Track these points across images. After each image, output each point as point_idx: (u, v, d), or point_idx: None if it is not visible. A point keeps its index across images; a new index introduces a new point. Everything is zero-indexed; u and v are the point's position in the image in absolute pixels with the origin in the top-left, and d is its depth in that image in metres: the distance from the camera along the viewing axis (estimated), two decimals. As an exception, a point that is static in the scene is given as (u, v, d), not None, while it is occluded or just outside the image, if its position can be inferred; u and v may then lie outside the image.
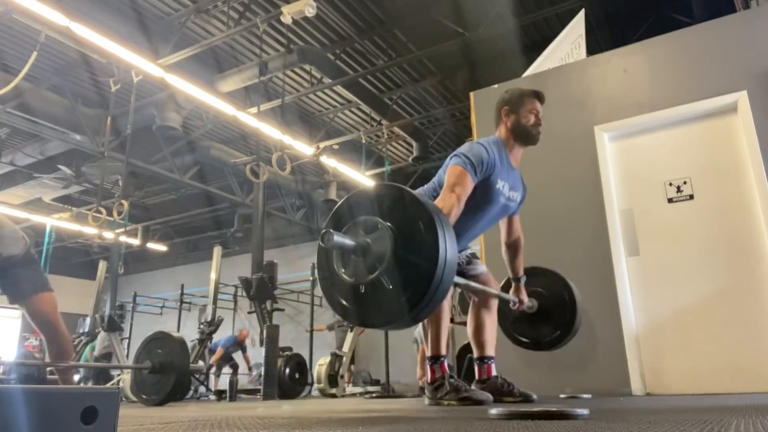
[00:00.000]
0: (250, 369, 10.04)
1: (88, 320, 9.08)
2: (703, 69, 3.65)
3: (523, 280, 2.76)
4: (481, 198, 2.35)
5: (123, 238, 10.60)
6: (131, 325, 12.92)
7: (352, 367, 10.37)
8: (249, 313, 8.38)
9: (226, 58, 7.85)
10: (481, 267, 2.75)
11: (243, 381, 10.02)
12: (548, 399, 2.81)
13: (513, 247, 2.75)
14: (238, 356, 9.91)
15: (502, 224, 2.74)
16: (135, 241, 13.43)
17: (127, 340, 12.41)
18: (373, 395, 7.53)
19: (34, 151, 9.08)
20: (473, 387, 2.55)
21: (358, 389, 9.82)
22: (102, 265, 9.87)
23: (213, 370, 9.09)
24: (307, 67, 7.76)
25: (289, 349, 8.50)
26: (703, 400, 2.33)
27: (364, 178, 10.20)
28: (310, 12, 5.81)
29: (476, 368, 2.69)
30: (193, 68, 7.35)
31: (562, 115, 4.03)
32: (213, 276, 8.89)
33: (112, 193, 11.16)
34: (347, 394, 8.30)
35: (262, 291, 7.68)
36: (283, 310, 8.66)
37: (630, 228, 3.68)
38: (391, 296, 1.53)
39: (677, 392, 3.31)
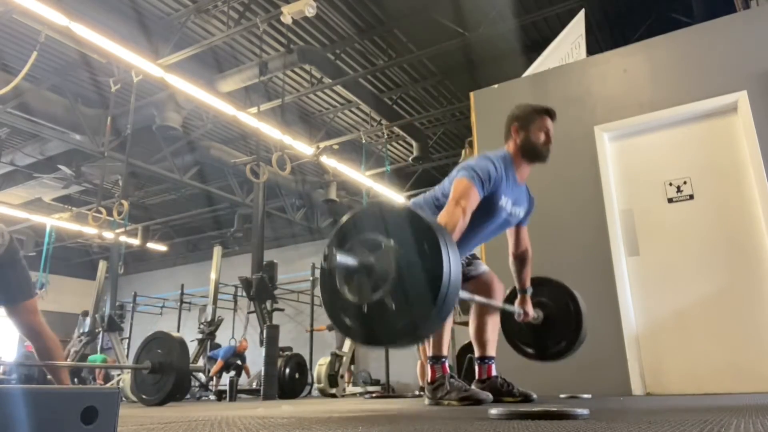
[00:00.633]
0: (249, 378, 10.07)
1: (87, 320, 9.08)
2: (703, 69, 3.65)
3: (529, 291, 2.71)
4: (483, 212, 2.33)
5: (123, 238, 10.60)
6: (131, 325, 12.93)
7: (352, 367, 10.38)
8: (249, 313, 8.39)
9: (226, 58, 7.85)
10: (482, 266, 2.74)
11: (243, 381, 10.03)
12: (548, 399, 2.81)
13: (520, 259, 2.71)
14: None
15: (510, 235, 2.71)
16: (135, 241, 13.43)
17: (127, 340, 12.42)
18: (373, 395, 7.53)
19: (34, 151, 9.09)
20: (473, 387, 2.55)
21: (358, 389, 9.82)
22: (102, 265, 9.88)
23: (212, 382, 9.10)
24: (307, 67, 7.76)
25: (289, 349, 8.51)
26: (703, 400, 2.33)
27: (364, 178, 10.20)
28: (310, 12, 5.81)
29: (477, 368, 2.69)
30: (193, 68, 7.35)
31: (562, 115, 4.00)
32: (213, 276, 8.89)
33: (112, 193, 11.17)
34: (347, 394, 8.31)
35: (262, 291, 7.68)
36: (283, 310, 8.67)
37: (630, 228, 3.68)
38: (395, 316, 1.52)
39: (677, 392, 3.31)
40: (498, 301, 2.67)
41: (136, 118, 7.48)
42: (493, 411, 1.38)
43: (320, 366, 8.53)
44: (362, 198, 10.81)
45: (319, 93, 8.92)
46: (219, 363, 8.98)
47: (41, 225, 12.28)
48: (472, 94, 4.53)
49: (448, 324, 2.57)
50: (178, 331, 10.90)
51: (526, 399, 2.55)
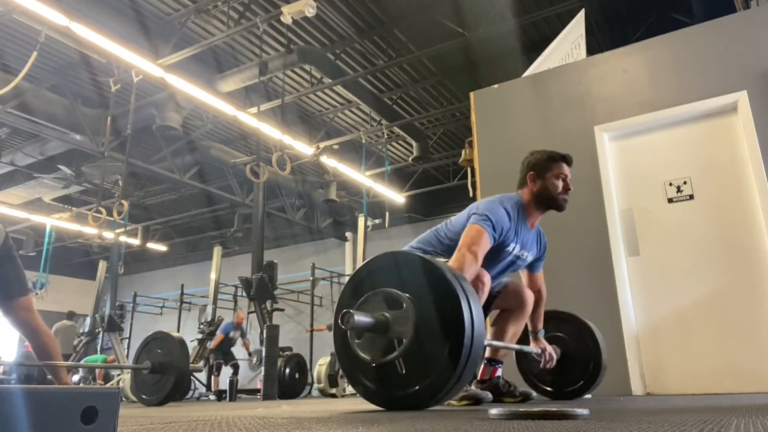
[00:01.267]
0: (250, 355, 9.99)
1: (87, 320, 9.09)
2: (703, 69, 3.65)
3: (541, 333, 2.66)
4: (489, 255, 2.29)
5: (123, 238, 10.60)
6: (131, 325, 12.93)
7: (353, 367, 10.34)
8: (249, 313, 8.38)
9: (226, 58, 7.85)
10: (503, 278, 2.68)
11: (243, 381, 10.02)
12: (548, 399, 2.81)
13: (534, 301, 2.66)
14: (237, 353, 9.88)
15: (523, 276, 2.69)
16: (135, 241, 13.44)
17: (127, 340, 12.43)
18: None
19: (34, 151, 9.09)
20: (473, 387, 2.54)
21: (358, 389, 9.80)
22: (102, 265, 9.88)
23: (212, 358, 9.04)
24: (307, 67, 7.76)
25: (289, 349, 8.51)
26: (703, 400, 2.33)
27: (364, 178, 10.20)
28: (310, 12, 5.81)
29: (482, 367, 2.67)
30: (193, 68, 7.35)
31: (562, 115, 4.03)
32: (213, 276, 8.90)
33: (112, 193, 11.17)
34: (347, 394, 8.30)
35: (262, 291, 7.68)
36: (283, 310, 8.66)
37: (630, 228, 3.68)
38: (416, 378, 1.45)
39: (677, 392, 3.31)
40: (529, 307, 2.61)
41: (136, 118, 7.49)
42: (493, 411, 1.38)
43: (320, 366, 8.54)
44: (362, 198, 10.80)
45: (319, 93, 8.92)
46: (219, 336, 8.91)
47: (41, 225, 12.28)
48: (472, 94, 4.53)
49: None
50: (178, 331, 10.91)
51: (526, 398, 2.55)
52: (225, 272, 10.11)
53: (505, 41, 7.19)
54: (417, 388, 1.48)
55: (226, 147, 10.08)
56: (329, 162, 9.37)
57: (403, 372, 1.46)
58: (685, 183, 3.60)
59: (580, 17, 4.82)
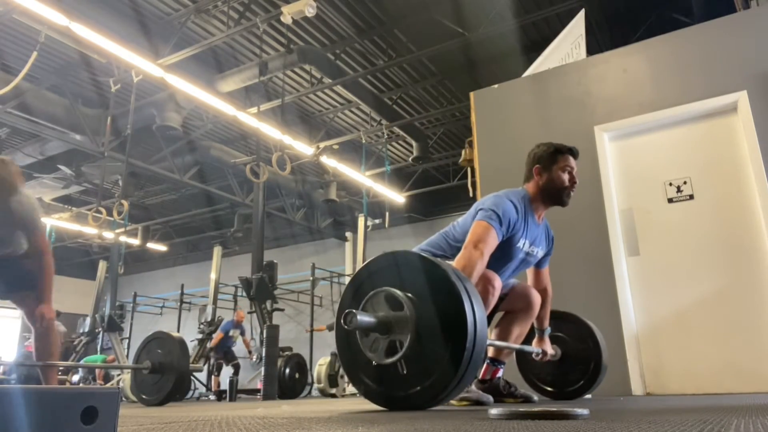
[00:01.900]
0: (250, 353, 10.01)
1: (88, 320, 9.09)
2: (703, 69, 3.65)
3: (547, 332, 2.65)
4: (500, 254, 2.27)
5: (123, 238, 10.60)
6: (131, 325, 12.94)
7: (353, 367, 10.34)
8: (249, 313, 8.38)
9: (226, 58, 7.85)
10: (510, 279, 2.66)
11: (243, 381, 10.01)
12: (548, 399, 2.81)
13: (540, 298, 2.65)
14: (238, 352, 9.89)
15: (529, 273, 2.67)
16: (135, 241, 13.44)
17: (127, 340, 12.43)
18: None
19: (34, 151, 9.09)
20: (474, 387, 2.54)
21: (358, 389, 9.80)
22: (102, 265, 9.89)
23: (213, 357, 9.04)
24: (307, 67, 7.76)
25: (289, 349, 8.51)
26: (703, 400, 2.33)
27: (364, 178, 10.20)
28: (310, 12, 5.81)
29: (483, 366, 2.66)
30: (193, 68, 7.35)
31: (562, 115, 4.03)
32: (213, 276, 8.90)
33: (112, 193, 11.17)
34: (347, 394, 8.30)
35: (262, 291, 7.68)
36: (283, 310, 8.66)
37: (630, 228, 3.68)
38: (418, 379, 1.44)
39: (677, 392, 3.31)
40: (536, 309, 2.59)
41: (136, 118, 7.49)
42: (493, 411, 1.38)
43: (320, 366, 8.54)
44: (362, 198, 10.81)
45: (319, 93, 8.92)
46: (218, 335, 8.91)
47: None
48: (472, 94, 4.53)
49: None
50: (178, 331, 10.90)
51: (527, 400, 2.54)
52: (225, 272, 10.11)
53: (505, 41, 7.20)
54: (418, 388, 1.48)
55: (226, 147, 10.08)
56: (329, 162, 9.38)
57: (405, 372, 1.46)
58: (685, 183, 3.60)
59: (580, 17, 4.82)
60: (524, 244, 2.37)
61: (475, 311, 1.45)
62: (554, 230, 3.79)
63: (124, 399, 6.71)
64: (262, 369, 6.82)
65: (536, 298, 2.59)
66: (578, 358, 2.73)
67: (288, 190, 11.41)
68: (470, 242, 2.14)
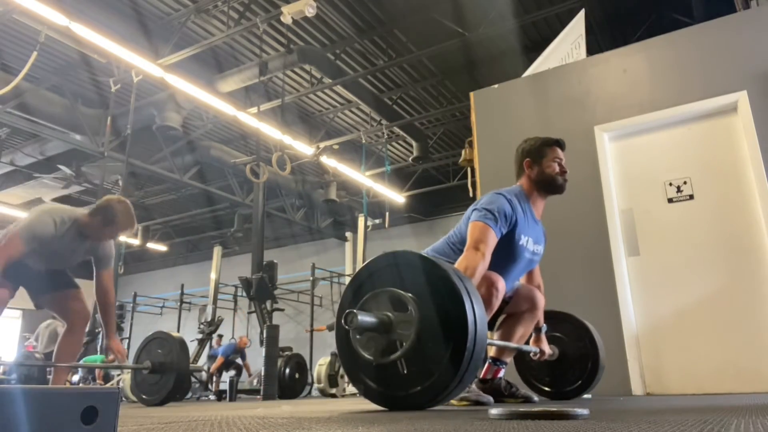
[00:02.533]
0: (250, 376, 10.07)
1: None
2: (703, 69, 3.65)
3: (544, 329, 2.64)
4: (505, 255, 2.26)
5: (123, 238, 10.60)
6: (131, 325, 12.94)
7: (352, 367, 10.36)
8: (249, 313, 8.39)
9: (226, 58, 7.85)
10: (515, 282, 2.63)
11: (243, 380, 10.01)
12: (547, 399, 2.81)
13: None
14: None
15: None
16: (135, 241, 13.44)
17: (127, 340, 12.43)
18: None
19: (34, 151, 9.09)
20: (474, 386, 2.54)
21: (358, 389, 9.81)
22: (102, 265, 9.86)
23: (213, 380, 9.09)
24: (307, 67, 7.76)
25: (289, 349, 8.51)
26: (703, 400, 2.33)
27: (364, 178, 10.20)
28: (310, 12, 5.81)
29: (485, 366, 2.65)
30: (193, 68, 7.35)
31: (562, 115, 4.03)
32: (213, 276, 8.91)
33: (112, 193, 11.15)
34: (347, 394, 8.30)
35: (262, 291, 7.68)
36: (283, 310, 8.67)
37: (630, 228, 3.68)
38: (418, 378, 1.45)
39: (677, 392, 3.31)
40: (541, 310, 2.58)
41: (136, 118, 7.49)
42: (493, 411, 1.38)
43: (320, 366, 8.54)
44: (362, 198, 10.81)
45: (319, 93, 8.92)
46: (219, 360, 8.97)
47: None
48: (472, 94, 4.53)
49: None
50: (178, 331, 10.90)
51: (528, 401, 2.54)
52: (225, 272, 10.13)
53: (505, 41, 7.20)
54: (418, 388, 1.48)
55: (226, 147, 10.08)
56: (329, 162, 9.38)
57: (405, 372, 1.46)
58: (685, 183, 3.60)
59: (580, 17, 4.82)
60: (527, 241, 2.36)
61: (476, 311, 1.45)
62: (555, 230, 3.79)
63: (124, 399, 6.71)
64: (262, 369, 6.82)
65: (540, 299, 2.58)
66: (576, 358, 2.73)
67: (288, 190, 11.41)
68: (470, 245, 2.14)
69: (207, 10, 6.92)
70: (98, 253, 3.31)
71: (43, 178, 10.27)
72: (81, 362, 8.56)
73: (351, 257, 13.13)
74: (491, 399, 2.37)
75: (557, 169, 2.44)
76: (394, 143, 10.66)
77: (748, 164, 3.39)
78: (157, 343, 4.38)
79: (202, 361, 8.59)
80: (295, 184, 11.15)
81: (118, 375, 7.74)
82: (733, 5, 4.70)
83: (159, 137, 8.73)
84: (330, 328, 10.22)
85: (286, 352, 8.06)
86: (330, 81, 7.95)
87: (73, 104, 7.92)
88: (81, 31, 5.78)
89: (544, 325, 2.66)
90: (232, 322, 13.57)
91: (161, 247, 15.08)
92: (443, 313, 1.44)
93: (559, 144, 2.50)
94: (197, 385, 8.35)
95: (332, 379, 8.41)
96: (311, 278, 11.68)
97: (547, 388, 2.82)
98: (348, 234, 13.54)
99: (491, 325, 2.60)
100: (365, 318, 1.48)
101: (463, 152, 5.01)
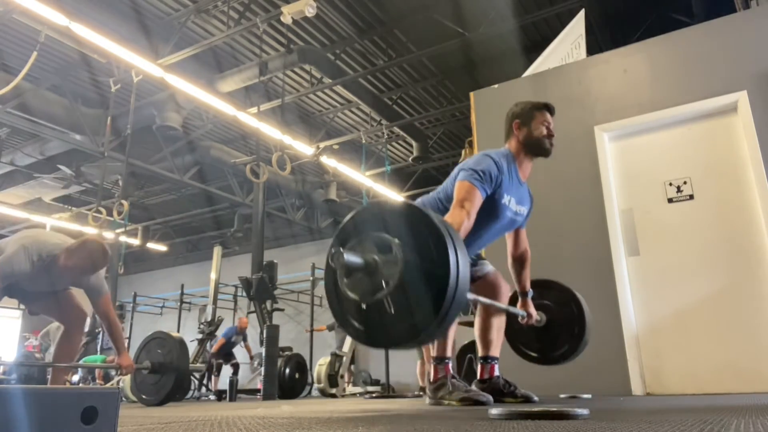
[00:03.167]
0: (251, 358, 10.01)
1: (88, 320, 9.08)
2: (703, 69, 3.65)
3: (530, 294, 2.68)
4: (487, 213, 2.31)
5: (123, 238, 10.60)
6: (131, 325, 12.94)
7: (352, 367, 10.38)
8: (249, 313, 8.39)
9: (226, 58, 7.85)
10: (487, 266, 2.71)
11: (243, 381, 10.01)
12: (549, 399, 2.81)
13: (520, 260, 2.69)
14: (238, 354, 9.90)
15: (509, 237, 2.69)
16: (135, 241, 13.44)
17: (127, 340, 12.43)
18: (373, 395, 7.53)
19: (34, 151, 9.09)
20: (474, 387, 2.54)
21: (358, 389, 9.82)
22: (102, 265, 9.86)
23: (213, 361, 9.06)
24: (307, 67, 7.76)
25: (289, 349, 8.51)
26: (703, 400, 2.33)
27: (364, 178, 10.20)
28: (310, 12, 5.81)
29: (479, 367, 2.67)
30: (193, 68, 7.35)
31: (562, 115, 4.00)
32: (213, 276, 8.90)
33: (112, 193, 11.16)
34: (347, 394, 8.31)
35: (262, 291, 7.68)
36: (283, 310, 8.66)
37: (630, 228, 3.68)
38: (401, 317, 1.50)
39: (677, 392, 3.31)
40: (504, 302, 2.63)
41: (136, 118, 7.48)
42: (493, 411, 1.38)
43: (320, 366, 8.54)
44: (362, 198, 10.80)
45: (319, 93, 8.91)
46: (220, 340, 8.94)
47: (41, 225, 12.27)
48: (472, 94, 4.53)
49: (453, 325, 2.55)
50: (178, 331, 10.91)
51: (528, 400, 2.54)
52: (225, 272, 10.11)
53: (505, 41, 7.19)
54: (403, 327, 1.53)
55: (226, 147, 10.08)
56: (329, 162, 9.37)
57: (392, 312, 1.50)
58: (685, 183, 3.60)
59: (580, 17, 4.82)
60: (509, 200, 2.41)
61: (458, 253, 1.50)
62: (555, 230, 3.79)
63: (124, 399, 6.71)
64: (262, 369, 6.82)
65: (505, 289, 2.67)
66: (562, 323, 2.76)
67: (288, 190, 11.40)
68: (456, 202, 2.19)
69: (207, 10, 6.92)
70: (86, 285, 3.29)
71: (43, 178, 10.27)
72: (81, 362, 8.57)
73: (351, 257, 13.10)
74: (491, 398, 2.38)
75: (545, 131, 2.50)
76: (394, 143, 10.66)
77: (748, 164, 3.39)
78: (157, 343, 4.38)
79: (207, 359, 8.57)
80: (295, 184, 11.15)
81: (118, 375, 7.74)
82: (733, 5, 4.70)
83: (159, 137, 8.73)
84: (330, 328, 10.23)
85: (286, 352, 8.06)
86: (330, 81, 7.95)
87: (73, 104, 7.92)
88: (81, 31, 5.78)
89: (531, 290, 2.70)
90: (232, 322, 13.54)
91: (161, 247, 15.08)
92: (427, 254, 1.50)
93: (548, 108, 2.56)
94: (202, 383, 8.34)
95: (332, 379, 8.41)
96: (311, 278, 11.67)
97: (535, 354, 2.84)
98: (348, 234, 13.52)
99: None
100: (351, 257, 1.51)
101: (463, 152, 5.01)
